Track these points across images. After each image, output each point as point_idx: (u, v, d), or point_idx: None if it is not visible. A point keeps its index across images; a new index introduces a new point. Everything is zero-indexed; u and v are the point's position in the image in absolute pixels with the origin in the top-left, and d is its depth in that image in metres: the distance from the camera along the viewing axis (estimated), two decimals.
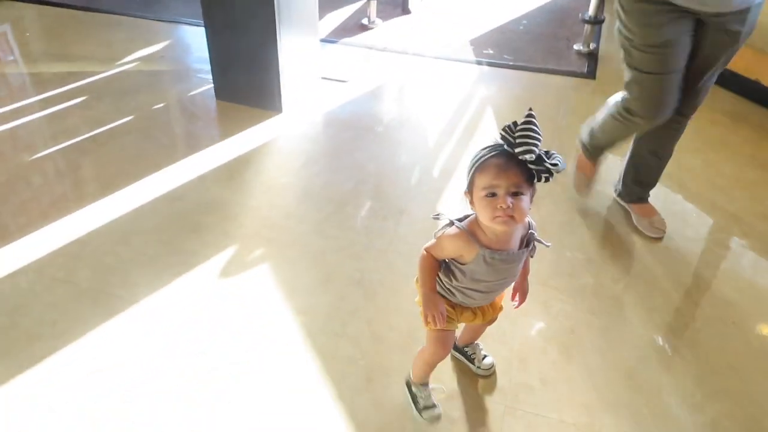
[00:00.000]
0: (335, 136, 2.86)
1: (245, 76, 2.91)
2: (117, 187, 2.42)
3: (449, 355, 1.65)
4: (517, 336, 1.84)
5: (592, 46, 3.61)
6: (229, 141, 2.75)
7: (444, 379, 1.70)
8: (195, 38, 3.67)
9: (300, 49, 2.97)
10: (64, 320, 1.86)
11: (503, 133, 1.18)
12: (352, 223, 2.29)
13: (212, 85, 3.05)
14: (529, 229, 1.33)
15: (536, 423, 1.62)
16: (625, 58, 1.93)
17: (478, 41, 3.78)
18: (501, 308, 1.52)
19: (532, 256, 1.38)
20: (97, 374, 1.70)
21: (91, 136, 2.75)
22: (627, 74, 1.96)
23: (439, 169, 2.61)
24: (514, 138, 1.16)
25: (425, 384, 1.59)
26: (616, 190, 2.39)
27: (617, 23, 1.90)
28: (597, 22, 3.57)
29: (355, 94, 3.16)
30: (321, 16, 3.59)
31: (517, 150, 1.15)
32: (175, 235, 2.20)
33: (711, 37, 1.83)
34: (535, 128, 1.15)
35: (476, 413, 1.64)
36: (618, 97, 2.07)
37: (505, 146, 1.19)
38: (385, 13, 4.05)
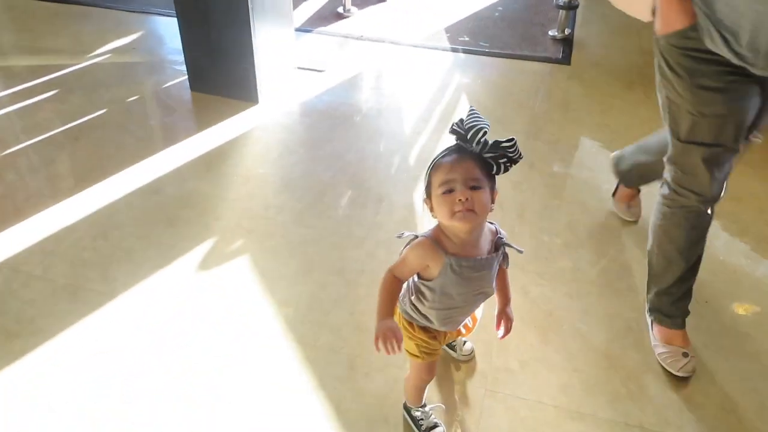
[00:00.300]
0: (312, 126, 2.86)
1: (220, 66, 2.88)
2: (92, 182, 2.39)
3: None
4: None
5: (566, 31, 3.63)
6: (206, 133, 2.73)
7: None
8: (167, 29, 3.62)
9: (275, 38, 2.95)
10: (42, 316, 1.84)
11: (454, 128, 1.18)
12: (332, 212, 2.29)
13: (186, 76, 3.02)
14: (497, 234, 1.30)
15: (516, 405, 1.64)
16: (671, 125, 1.58)
17: (454, 28, 3.78)
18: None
19: (506, 266, 1.35)
20: (79, 369, 1.69)
21: (64, 130, 2.71)
22: (673, 145, 1.60)
23: (417, 157, 2.62)
24: (464, 129, 1.16)
25: (423, 405, 1.56)
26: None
27: (658, 77, 1.58)
28: (571, 7, 3.59)
29: (331, 84, 3.15)
30: (295, 5, 3.56)
31: (469, 136, 1.16)
32: (153, 229, 2.18)
33: None
34: (480, 117, 1.17)
35: (457, 397, 1.67)
36: (661, 195, 1.71)
37: (458, 140, 1.18)
38: (360, 1, 4.02)
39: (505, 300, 1.42)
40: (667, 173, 1.65)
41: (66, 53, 3.32)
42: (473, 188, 1.15)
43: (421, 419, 1.55)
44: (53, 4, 3.84)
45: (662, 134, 1.73)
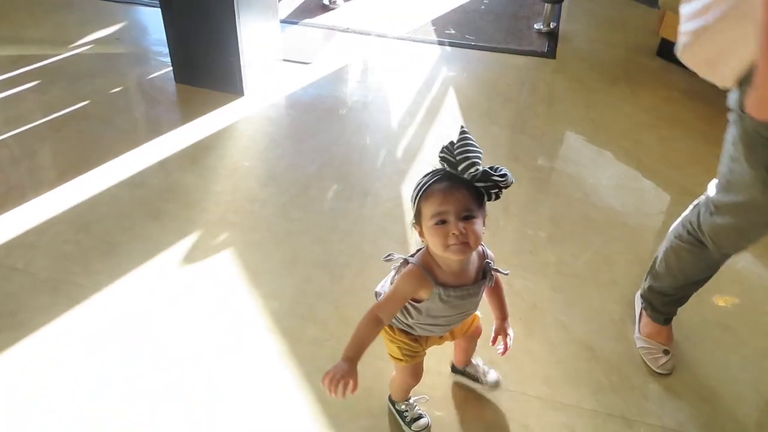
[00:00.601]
0: (298, 119, 2.85)
1: (205, 58, 2.86)
2: (75, 174, 2.37)
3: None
4: (480, 313, 1.88)
5: (552, 25, 3.65)
6: (191, 125, 2.71)
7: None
8: (152, 20, 3.58)
9: (260, 30, 2.93)
10: (24, 311, 1.82)
11: (443, 154, 1.12)
12: (317, 205, 2.29)
13: (171, 68, 2.99)
14: (485, 258, 1.26)
15: (500, 397, 1.66)
16: (726, 187, 1.42)
17: (440, 21, 3.77)
18: (476, 317, 1.48)
19: (491, 285, 1.32)
20: (67, 364, 1.68)
21: (46, 122, 2.68)
22: (721, 194, 1.45)
23: (403, 150, 2.62)
24: (455, 157, 1.11)
25: (408, 398, 1.57)
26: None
27: (729, 151, 1.37)
28: (557, 1, 3.60)
29: (317, 76, 3.14)
30: None
31: (460, 167, 1.10)
32: (137, 222, 2.17)
33: None
34: (473, 143, 1.11)
35: (441, 389, 1.67)
36: (688, 220, 1.60)
37: (447, 168, 1.13)
38: None
39: (502, 316, 1.42)
40: (704, 213, 1.51)
41: (48, 43, 3.27)
42: (466, 218, 1.12)
43: (406, 411, 1.56)
44: None
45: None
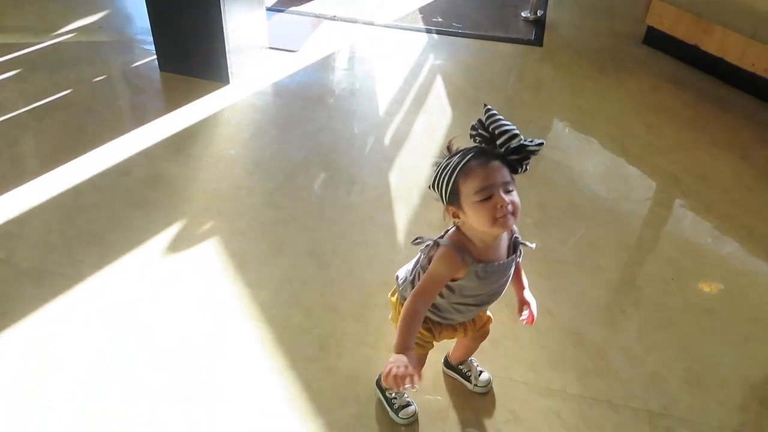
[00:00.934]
0: (284, 107, 2.83)
1: (190, 46, 2.83)
2: (58, 163, 2.34)
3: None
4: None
5: (539, 13, 3.64)
6: (175, 114, 2.68)
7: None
8: (135, 7, 3.54)
9: (245, 18, 2.90)
10: (6, 301, 1.80)
11: (474, 132, 1.16)
12: (303, 193, 2.28)
13: (155, 56, 2.96)
14: (514, 233, 1.28)
15: None
16: None
17: (427, 9, 3.76)
18: (489, 319, 1.49)
19: (519, 260, 1.33)
20: (49, 355, 1.66)
21: (28, 111, 2.64)
22: None
23: (390, 138, 2.61)
24: (490, 132, 1.14)
25: None
26: None
27: None
28: None
29: (303, 64, 3.12)
30: None
31: (500, 140, 1.13)
32: (121, 212, 2.15)
33: None
34: (503, 118, 1.14)
35: (429, 376, 1.67)
36: None
37: (482, 143, 1.15)
38: None
39: (522, 286, 1.43)
40: None
41: (30, 31, 3.22)
42: (508, 191, 1.14)
43: (394, 398, 1.56)
44: None
45: None
